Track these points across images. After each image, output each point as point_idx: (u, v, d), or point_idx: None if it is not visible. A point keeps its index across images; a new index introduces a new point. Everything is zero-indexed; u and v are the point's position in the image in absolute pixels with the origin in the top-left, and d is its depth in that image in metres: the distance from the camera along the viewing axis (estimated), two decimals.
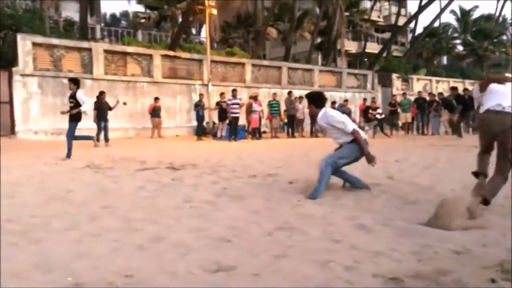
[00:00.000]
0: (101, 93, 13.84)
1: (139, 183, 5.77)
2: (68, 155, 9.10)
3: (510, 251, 2.72)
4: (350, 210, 4.01)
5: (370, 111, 18.45)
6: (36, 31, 18.41)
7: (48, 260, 2.66)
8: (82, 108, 9.17)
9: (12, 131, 15.39)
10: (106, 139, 13.53)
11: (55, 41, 17.37)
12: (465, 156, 8.57)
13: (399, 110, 19.76)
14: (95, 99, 13.81)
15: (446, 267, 2.46)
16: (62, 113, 10.11)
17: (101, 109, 13.54)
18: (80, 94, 9.19)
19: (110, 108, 13.87)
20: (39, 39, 16.81)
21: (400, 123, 20.37)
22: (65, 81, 16.86)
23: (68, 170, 7.08)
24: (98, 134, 13.44)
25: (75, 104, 9.11)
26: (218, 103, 17.43)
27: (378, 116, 18.04)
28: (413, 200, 4.37)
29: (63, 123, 16.60)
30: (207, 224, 3.58)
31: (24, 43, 15.93)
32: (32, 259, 2.67)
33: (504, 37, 49.66)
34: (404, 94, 21.18)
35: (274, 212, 4.02)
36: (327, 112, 5.08)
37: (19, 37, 16.02)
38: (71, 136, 9.32)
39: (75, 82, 9.24)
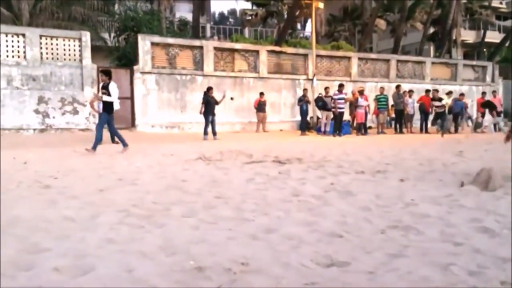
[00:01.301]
0: (209, 89, 14.49)
1: (247, 175, 5.95)
2: (94, 146, 9.17)
3: None
4: (470, 211, 3.72)
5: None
6: (154, 31, 19.90)
7: (171, 243, 2.87)
8: (109, 99, 9.25)
9: (133, 124, 16.82)
10: (214, 132, 14.16)
11: (170, 40, 18.57)
12: None
13: None
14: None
15: None
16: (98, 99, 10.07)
17: (209, 104, 14.16)
18: (112, 86, 9.35)
19: (217, 103, 14.48)
20: (157, 38, 18.10)
21: None
22: (179, 77, 18.05)
23: (182, 162, 7.54)
24: (206, 128, 14.13)
25: (107, 95, 9.32)
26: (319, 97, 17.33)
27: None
28: None
29: (177, 117, 17.81)
30: (317, 218, 3.58)
31: (144, 43, 17.27)
32: (157, 242, 2.89)
33: None
34: None
35: (386, 209, 3.89)
36: None
37: (139, 37, 17.40)
38: (101, 126, 9.57)
39: (106, 74, 9.51)
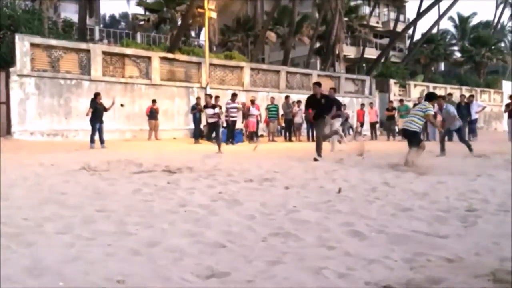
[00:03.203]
0: (97, 95, 13.75)
1: (134, 186, 5.76)
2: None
3: (502, 260, 2.72)
4: (345, 216, 4.00)
5: None
6: (35, 31, 18.39)
7: (40, 264, 2.65)
8: None
9: (8, 131, 15.35)
10: (102, 140, 13.48)
11: (53, 42, 17.36)
12: (461, 162, 8.60)
13: (396, 115, 19.84)
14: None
15: (438, 276, 2.46)
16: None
17: (97, 111, 13.44)
18: None
19: (106, 109, 13.83)
20: (37, 39, 16.80)
21: (397, 128, 20.42)
22: (63, 82, 16.89)
23: (63, 172, 7.06)
24: (93, 135, 13.37)
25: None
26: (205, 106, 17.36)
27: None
28: (407, 207, 4.36)
29: (61, 124, 16.63)
30: (202, 228, 3.57)
31: (22, 44, 15.92)
32: (24, 263, 2.65)
33: (502, 44, 49.96)
34: (401, 100, 21.27)
35: (270, 217, 4.01)
36: None
37: (17, 37, 16.01)
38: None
39: None
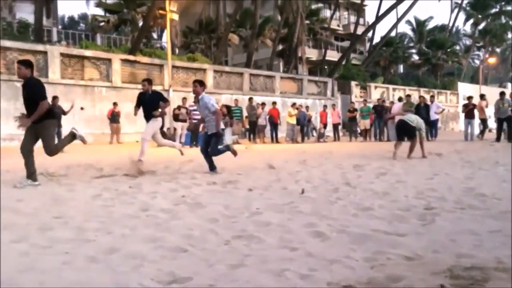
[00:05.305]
0: (54, 98, 13.36)
1: (95, 191, 5.61)
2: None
3: (459, 256, 2.81)
4: (307, 217, 4.03)
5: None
6: None
7: None
8: None
9: None
10: None
11: (8, 43, 16.72)
12: (419, 162, 8.86)
13: (357, 116, 20.25)
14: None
15: (398, 274, 2.51)
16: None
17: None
18: None
19: (65, 113, 13.46)
20: None
21: (359, 129, 20.85)
22: (19, 84, 16.28)
23: (18, 179, 6.78)
24: None
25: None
26: (179, 107, 17.26)
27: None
28: (368, 207, 4.45)
29: (17, 128, 16.01)
30: (163, 233, 3.52)
31: None
32: None
33: (457, 47, 51.98)
34: (364, 101, 21.74)
35: (232, 220, 4.00)
36: None
37: None
38: None
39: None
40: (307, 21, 34.75)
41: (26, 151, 6.16)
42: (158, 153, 12.91)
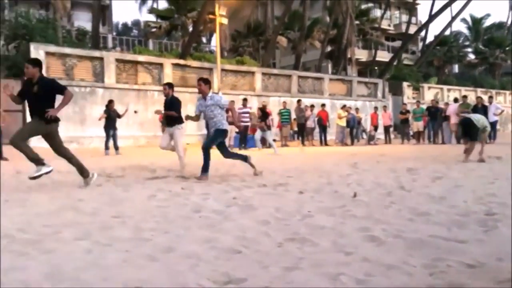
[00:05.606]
0: (110, 102, 13.96)
1: (149, 192, 5.79)
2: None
3: None
4: (361, 221, 3.97)
5: None
6: (49, 40, 18.71)
7: (59, 270, 2.67)
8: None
9: None
10: (116, 147, 13.63)
11: (67, 50, 17.62)
12: (478, 166, 8.48)
13: (410, 118, 19.69)
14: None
15: (459, 281, 2.42)
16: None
17: (110, 118, 13.64)
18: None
19: (120, 116, 13.98)
20: (52, 48, 17.07)
21: (411, 131, 20.27)
22: (77, 89, 17.10)
23: (79, 179, 7.11)
24: (107, 142, 13.56)
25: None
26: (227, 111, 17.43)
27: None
28: (424, 211, 4.31)
29: (76, 131, 16.83)
30: (217, 234, 3.57)
31: (37, 52, 16.17)
32: (43, 269, 2.67)
33: None
34: (417, 102, 21.07)
35: (284, 222, 4.00)
36: None
37: (32, 46, 16.28)
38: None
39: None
40: (357, 22, 34.21)
41: (20, 139, 5.87)
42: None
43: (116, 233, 3.61)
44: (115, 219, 4.16)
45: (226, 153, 7.49)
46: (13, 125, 15.03)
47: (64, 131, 16.27)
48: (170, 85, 8.36)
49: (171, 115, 8.05)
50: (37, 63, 6.08)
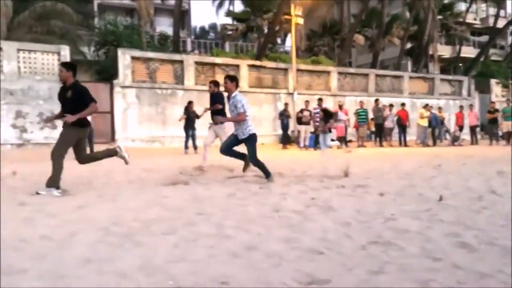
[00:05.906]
0: (189, 103, 14.51)
1: (229, 190, 5.92)
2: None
3: None
4: (449, 226, 3.77)
5: None
6: (134, 45, 19.84)
7: (150, 262, 2.82)
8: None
9: (112, 138, 16.64)
10: (195, 146, 14.13)
11: (150, 54, 18.56)
12: None
13: (499, 118, 18.37)
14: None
15: None
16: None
17: (190, 118, 14.19)
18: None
19: (198, 117, 14.45)
20: (137, 53, 18.06)
21: (500, 132, 18.91)
22: (159, 91, 17.96)
23: (163, 177, 7.47)
24: (186, 142, 14.13)
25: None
26: (301, 111, 17.41)
27: None
28: None
29: (158, 131, 17.69)
30: (297, 234, 3.57)
31: (124, 57, 17.20)
32: (136, 261, 2.84)
33: None
34: (507, 100, 19.58)
35: (366, 225, 3.91)
36: None
37: (119, 51, 17.33)
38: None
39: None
40: (440, 16, 32.53)
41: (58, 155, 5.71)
42: (283, 155, 13.19)
43: (200, 229, 3.74)
44: (198, 216, 4.31)
45: (226, 151, 7.14)
46: (102, 125, 16.15)
47: (148, 131, 17.25)
48: (215, 83, 8.81)
49: (216, 109, 8.54)
50: (70, 66, 5.89)
